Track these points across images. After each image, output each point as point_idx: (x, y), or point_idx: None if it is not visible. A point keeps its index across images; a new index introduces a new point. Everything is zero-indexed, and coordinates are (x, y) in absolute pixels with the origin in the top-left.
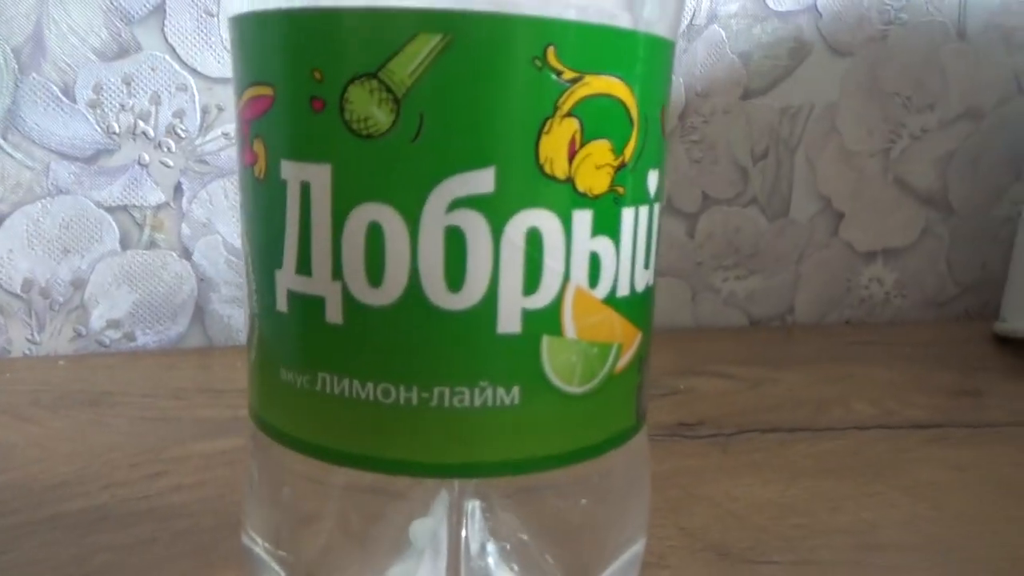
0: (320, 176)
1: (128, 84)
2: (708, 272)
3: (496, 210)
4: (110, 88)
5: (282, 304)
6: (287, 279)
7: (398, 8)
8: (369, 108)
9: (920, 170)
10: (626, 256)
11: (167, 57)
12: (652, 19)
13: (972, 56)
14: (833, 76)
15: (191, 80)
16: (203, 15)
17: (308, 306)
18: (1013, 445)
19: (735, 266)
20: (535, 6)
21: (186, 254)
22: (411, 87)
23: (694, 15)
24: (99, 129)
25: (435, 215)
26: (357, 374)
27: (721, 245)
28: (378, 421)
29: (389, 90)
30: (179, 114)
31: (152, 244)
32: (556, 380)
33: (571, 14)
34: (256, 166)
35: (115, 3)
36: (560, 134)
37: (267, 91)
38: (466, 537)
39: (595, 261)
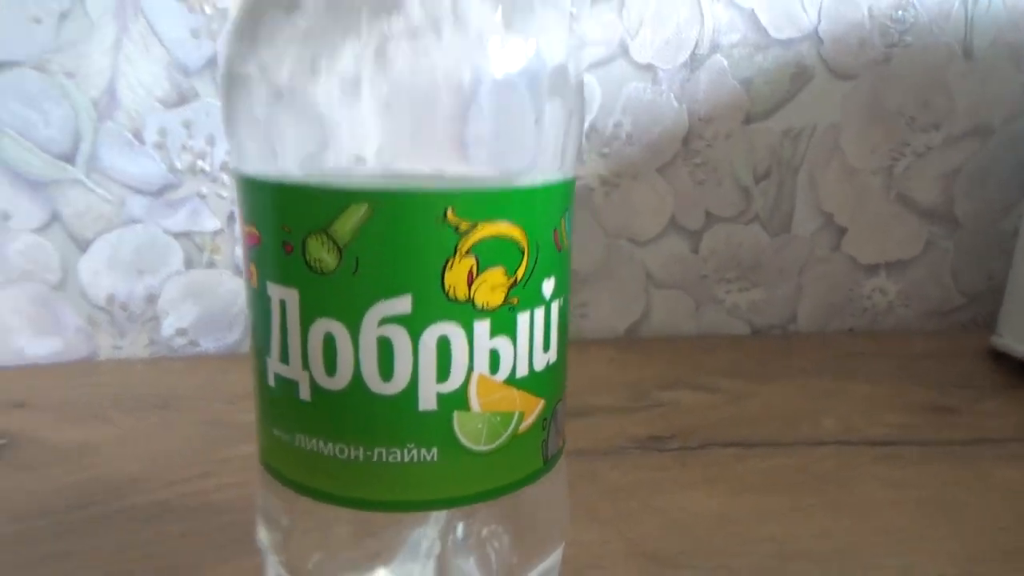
0: (291, 297)
1: (188, 127)
2: (712, 284)
3: (413, 324)
4: (173, 131)
5: (271, 381)
6: (274, 364)
7: (337, 186)
8: (321, 253)
9: (924, 186)
10: (523, 347)
11: (220, 103)
12: (544, 171)
13: (979, 74)
14: (835, 98)
15: None
16: None
17: (287, 385)
18: (960, 464)
19: (738, 279)
20: (434, 180)
21: (239, 272)
22: (349, 240)
23: (697, 45)
24: (164, 167)
25: (370, 328)
26: (321, 436)
27: (724, 259)
28: (337, 470)
29: (334, 242)
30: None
31: (211, 264)
32: (466, 442)
33: (464, 183)
34: (252, 280)
35: (175, 59)
36: (460, 268)
37: (256, 231)
38: (449, 542)
39: (495, 355)
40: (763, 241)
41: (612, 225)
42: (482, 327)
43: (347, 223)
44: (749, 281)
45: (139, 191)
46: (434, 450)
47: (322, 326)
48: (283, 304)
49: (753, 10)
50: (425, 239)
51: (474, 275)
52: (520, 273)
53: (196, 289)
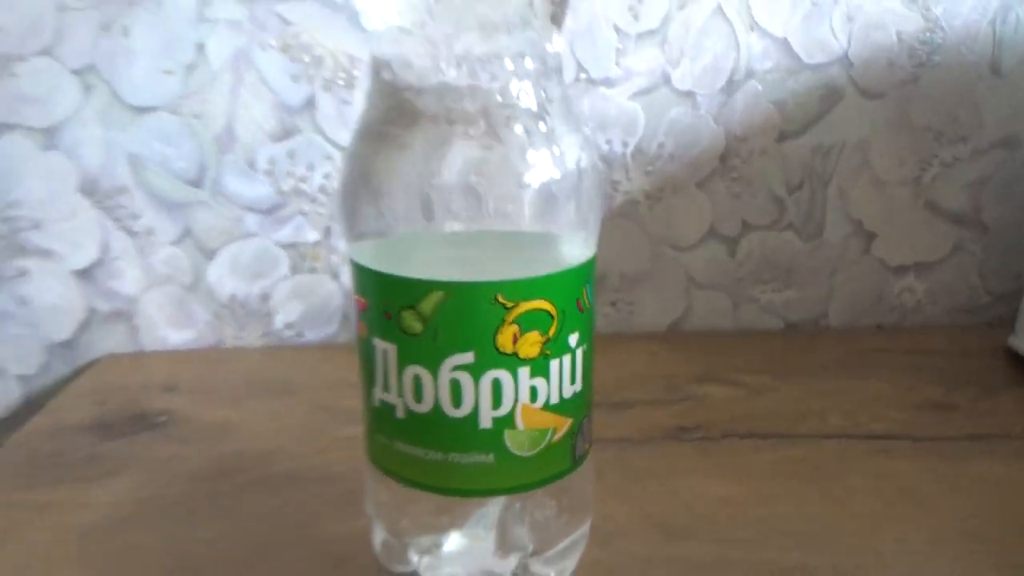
0: (391, 349)
1: (291, 157)
2: (748, 285)
3: (475, 371)
4: (279, 160)
5: (376, 403)
6: (378, 392)
7: (423, 278)
8: (411, 323)
9: (952, 195)
10: (555, 383)
11: (317, 136)
12: (571, 259)
13: (1007, 90)
14: (864, 116)
15: (334, 152)
16: (341, 104)
17: (388, 407)
18: (944, 458)
19: (772, 280)
20: (490, 275)
21: (335, 277)
22: (430, 314)
23: (733, 72)
24: (273, 190)
25: (445, 373)
26: (412, 443)
27: (759, 263)
28: (422, 466)
29: (421, 315)
30: (327, 176)
31: (312, 270)
32: (514, 450)
33: (508, 275)
34: (361, 332)
35: (280, 100)
36: (507, 333)
37: (365, 300)
38: (507, 516)
39: (534, 390)
40: (796, 246)
41: (656, 233)
42: (524, 372)
43: (429, 303)
44: (783, 282)
45: (253, 210)
46: (491, 455)
47: (412, 370)
48: (385, 353)
49: (786, 38)
50: (482, 314)
51: (517, 337)
52: (551, 333)
53: (300, 290)
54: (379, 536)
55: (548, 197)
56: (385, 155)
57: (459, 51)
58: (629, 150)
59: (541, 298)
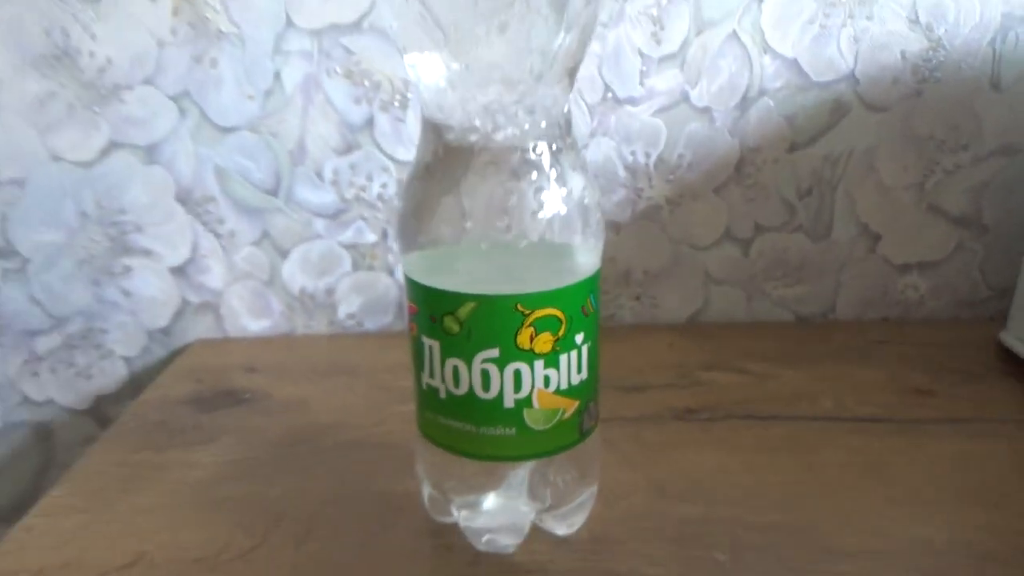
0: (435, 345)
1: (353, 169)
2: (760, 281)
3: (500, 363)
4: (342, 172)
5: (424, 387)
6: (426, 378)
7: (460, 291)
8: (451, 325)
9: (953, 199)
10: (564, 373)
11: (376, 151)
12: (577, 275)
13: (1006, 102)
14: (870, 127)
15: (391, 164)
16: (396, 122)
17: (433, 390)
18: (913, 438)
19: (783, 276)
20: (512, 288)
21: (390, 274)
22: (465, 319)
23: (747, 90)
24: (337, 197)
25: (476, 364)
26: (452, 418)
27: (771, 261)
28: (461, 437)
29: (458, 319)
30: (384, 185)
31: (370, 268)
32: (532, 425)
33: (526, 288)
34: (412, 331)
35: (344, 119)
36: (525, 334)
37: (415, 306)
38: (531, 481)
39: (547, 378)
40: (806, 246)
41: (676, 234)
42: (539, 364)
43: (465, 311)
44: (793, 278)
45: (320, 215)
46: (513, 429)
47: (451, 362)
48: (431, 348)
49: (796, 59)
50: (505, 320)
51: (533, 337)
52: (561, 333)
53: (361, 285)
54: (426, 492)
55: (558, 226)
56: (432, 190)
57: (488, 106)
58: (652, 160)
59: (552, 307)
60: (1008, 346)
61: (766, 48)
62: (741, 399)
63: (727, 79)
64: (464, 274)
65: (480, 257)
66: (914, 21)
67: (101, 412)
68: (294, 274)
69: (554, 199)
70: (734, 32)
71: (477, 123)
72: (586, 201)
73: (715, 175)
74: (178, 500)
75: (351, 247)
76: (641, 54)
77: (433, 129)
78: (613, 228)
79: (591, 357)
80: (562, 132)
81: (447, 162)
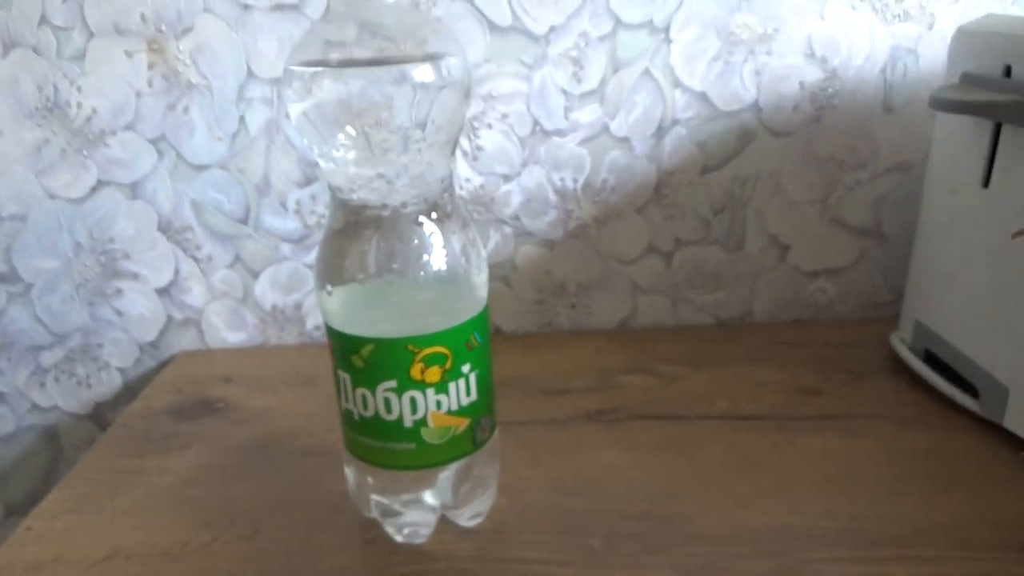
0: (346, 377)
1: (313, 198)
2: (683, 289)
3: (399, 392)
4: (304, 201)
5: (343, 409)
6: (342, 402)
7: (362, 335)
8: (356, 362)
9: (854, 212)
10: (453, 397)
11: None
12: (460, 317)
13: (899, 124)
14: (775, 151)
15: None
16: None
17: (348, 412)
18: (788, 434)
19: (703, 284)
20: (404, 331)
21: None
22: (367, 357)
23: (661, 121)
24: (301, 224)
25: (380, 393)
26: (364, 435)
27: (691, 271)
28: (372, 451)
29: (362, 357)
30: None
31: None
32: (428, 440)
33: (416, 331)
34: (332, 365)
35: (302, 156)
36: (416, 368)
37: (331, 343)
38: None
39: (439, 402)
40: (721, 257)
41: (604, 250)
42: (431, 391)
43: (366, 351)
44: (712, 286)
45: (286, 240)
46: (413, 444)
47: (360, 390)
48: (344, 379)
49: (704, 92)
50: (399, 357)
51: (424, 370)
52: (448, 366)
53: None
54: (352, 493)
55: (442, 278)
56: (338, 249)
57: (379, 175)
58: (579, 185)
59: (438, 345)
60: (894, 347)
61: (677, 83)
62: (647, 401)
63: (643, 111)
64: (364, 320)
65: (377, 304)
66: (810, 55)
67: (101, 416)
68: (265, 292)
69: (437, 255)
70: (647, 70)
71: (367, 195)
72: (467, 256)
73: (636, 196)
74: (152, 502)
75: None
76: (564, 92)
77: (335, 198)
78: (547, 245)
79: (480, 381)
80: (444, 196)
81: (348, 225)
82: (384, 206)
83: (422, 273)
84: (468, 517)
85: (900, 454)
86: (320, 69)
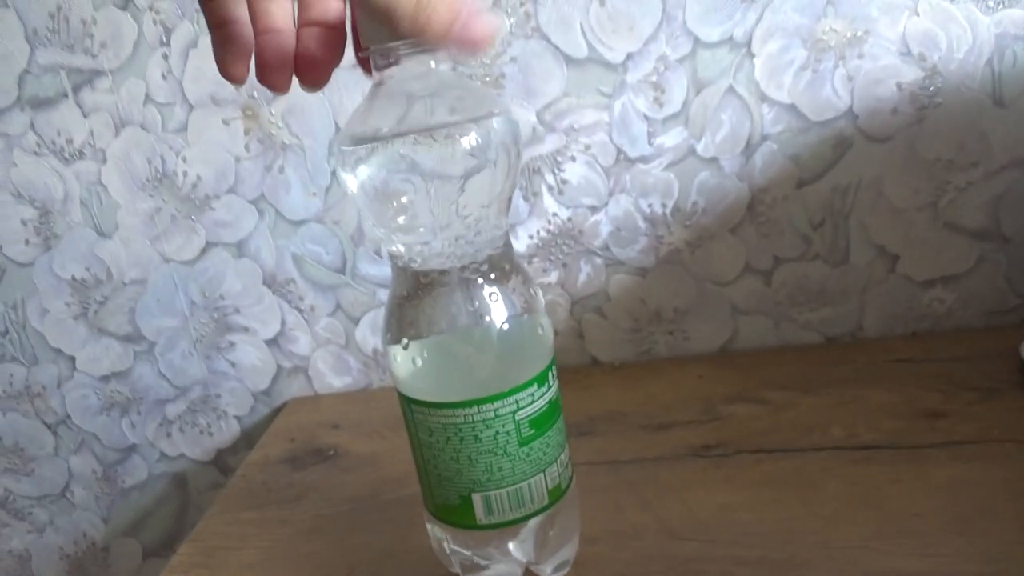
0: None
1: None
2: (785, 308)
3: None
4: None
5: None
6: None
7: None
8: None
9: (969, 214)
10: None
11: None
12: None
13: (1013, 118)
14: (875, 157)
15: None
16: None
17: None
18: (912, 464)
19: (807, 301)
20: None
21: None
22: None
23: (750, 138)
24: None
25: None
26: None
27: (793, 289)
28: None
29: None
30: None
31: None
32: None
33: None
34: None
35: None
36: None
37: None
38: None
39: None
40: (825, 272)
41: (699, 273)
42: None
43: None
44: (817, 303)
45: (382, 285)
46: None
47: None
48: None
49: (793, 104)
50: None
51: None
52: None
53: None
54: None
55: (505, 336)
56: (403, 315)
57: (442, 244)
58: (668, 210)
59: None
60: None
61: (763, 97)
62: (755, 431)
63: (729, 130)
64: (431, 386)
65: (444, 369)
66: (905, 54)
67: (223, 462)
68: (366, 337)
69: (499, 314)
70: (731, 87)
71: (428, 261)
72: (527, 315)
73: (729, 217)
74: (274, 555)
75: None
76: (646, 117)
77: (395, 266)
78: (640, 273)
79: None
80: (507, 254)
81: (414, 287)
82: (445, 271)
83: (487, 334)
84: (552, 569)
85: None
86: (369, 146)
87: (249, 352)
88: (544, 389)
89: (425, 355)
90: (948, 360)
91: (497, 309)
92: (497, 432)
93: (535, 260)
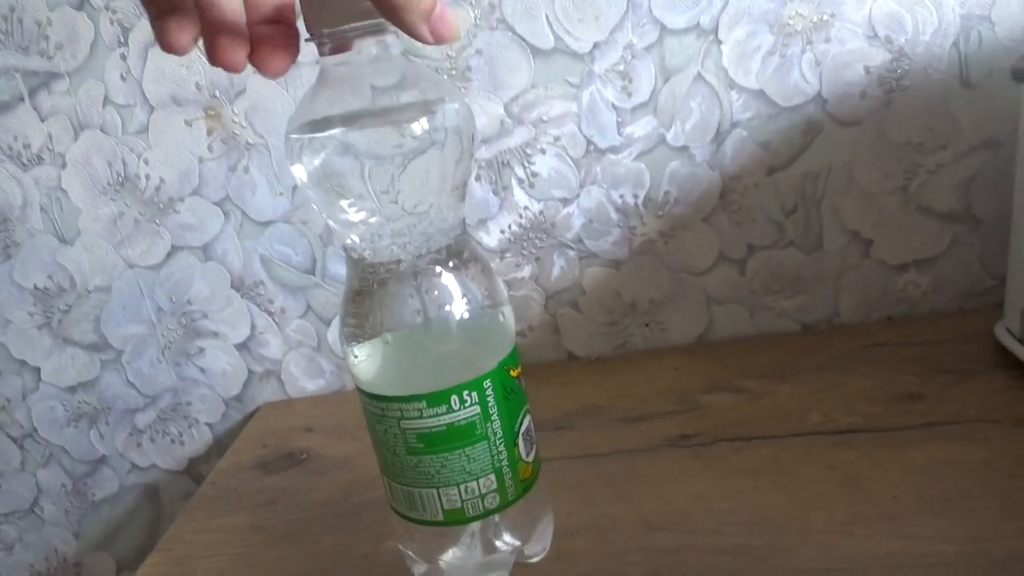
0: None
1: None
2: (760, 296)
3: None
4: None
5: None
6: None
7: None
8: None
9: (940, 196)
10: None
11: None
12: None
13: (980, 98)
14: (844, 142)
15: None
16: None
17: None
18: (890, 447)
19: (782, 289)
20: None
21: None
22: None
23: (719, 125)
24: None
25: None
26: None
27: (767, 277)
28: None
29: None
30: None
31: None
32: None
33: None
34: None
35: None
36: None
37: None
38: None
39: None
40: (799, 259)
41: (673, 264)
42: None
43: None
44: (792, 290)
45: None
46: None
47: None
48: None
49: (762, 89)
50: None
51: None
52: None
53: None
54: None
55: (466, 326)
56: (358, 308)
57: (393, 234)
58: (640, 200)
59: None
60: (999, 338)
61: (732, 84)
62: (732, 421)
63: (699, 118)
64: (392, 380)
65: (404, 361)
66: (872, 37)
67: (196, 471)
68: (334, 340)
69: (458, 306)
70: (699, 74)
71: (381, 251)
72: (485, 302)
73: (702, 206)
74: (245, 561)
75: None
76: (615, 107)
77: (349, 258)
78: (614, 265)
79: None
80: (459, 246)
81: (365, 283)
82: (399, 261)
83: (446, 324)
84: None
85: (1020, 461)
86: (318, 134)
87: (219, 357)
88: (438, 410)
89: (368, 347)
90: (924, 343)
91: (456, 300)
92: (387, 429)
93: (507, 255)
